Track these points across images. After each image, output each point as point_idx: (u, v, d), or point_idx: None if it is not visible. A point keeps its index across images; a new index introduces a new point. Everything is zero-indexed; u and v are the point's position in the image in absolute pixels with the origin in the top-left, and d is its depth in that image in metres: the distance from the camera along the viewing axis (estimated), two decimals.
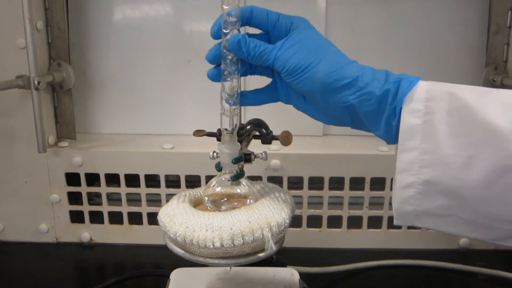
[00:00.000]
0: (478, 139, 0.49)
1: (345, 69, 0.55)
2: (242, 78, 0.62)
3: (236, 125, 0.62)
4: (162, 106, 1.08)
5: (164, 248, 0.63)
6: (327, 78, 0.54)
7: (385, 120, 0.54)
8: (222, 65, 0.59)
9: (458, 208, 0.52)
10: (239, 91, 0.61)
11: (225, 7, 0.57)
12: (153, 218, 1.00)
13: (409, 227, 0.99)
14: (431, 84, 0.53)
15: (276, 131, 0.69)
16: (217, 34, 0.58)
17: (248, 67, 0.61)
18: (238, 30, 0.58)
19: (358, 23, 1.04)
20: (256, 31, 0.62)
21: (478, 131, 0.49)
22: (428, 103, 0.52)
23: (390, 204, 0.97)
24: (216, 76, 0.60)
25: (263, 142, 0.69)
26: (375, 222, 0.99)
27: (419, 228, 0.96)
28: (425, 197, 0.53)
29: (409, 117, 0.52)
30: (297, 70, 0.56)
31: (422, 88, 0.53)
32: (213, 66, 0.60)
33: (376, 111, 0.54)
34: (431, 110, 0.51)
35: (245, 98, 0.63)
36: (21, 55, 0.91)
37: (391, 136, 0.55)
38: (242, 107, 0.68)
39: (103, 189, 1.00)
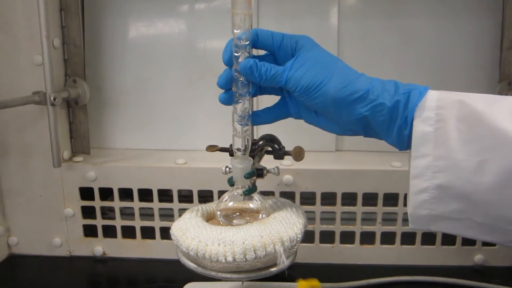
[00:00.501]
0: (489, 144, 0.50)
1: (356, 83, 0.56)
2: (253, 98, 0.63)
3: (247, 146, 0.62)
4: (175, 122, 1.09)
5: (177, 262, 0.63)
6: (339, 94, 0.55)
7: (397, 129, 0.55)
8: (233, 88, 0.60)
9: (471, 212, 0.53)
10: (250, 112, 0.61)
11: (235, 31, 0.58)
12: (165, 233, 1.00)
13: (423, 243, 0.98)
14: (441, 93, 0.54)
15: (288, 147, 0.69)
16: (230, 61, 0.59)
17: (258, 88, 0.62)
18: (249, 52, 0.59)
19: (370, 39, 1.04)
20: (261, 51, 0.62)
21: (488, 136, 0.50)
22: (439, 111, 0.53)
23: (404, 219, 0.97)
24: (228, 100, 0.61)
25: (275, 158, 0.69)
26: (388, 238, 0.98)
27: (435, 233, 0.96)
28: (439, 201, 0.54)
29: (421, 125, 0.54)
30: (310, 88, 0.56)
31: (433, 97, 0.54)
32: (223, 90, 0.61)
33: (388, 121, 0.56)
34: (442, 118, 0.53)
35: (257, 117, 0.64)
36: (38, 71, 0.92)
37: (403, 143, 0.56)
38: None
39: (117, 204, 1.00)
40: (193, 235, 0.60)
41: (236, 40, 0.58)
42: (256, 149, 0.68)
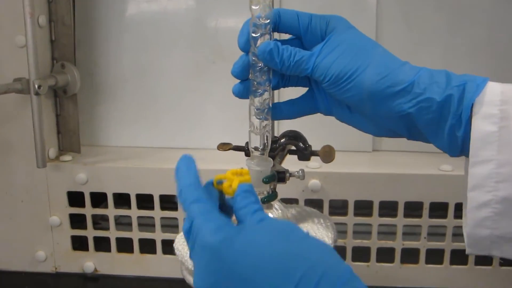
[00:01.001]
0: None
1: (398, 72, 0.55)
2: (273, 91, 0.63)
3: (267, 144, 0.62)
4: (181, 115, 1.09)
5: (181, 282, 0.63)
6: (377, 86, 0.55)
7: (449, 129, 0.54)
8: (250, 75, 0.60)
9: None
10: (270, 105, 0.61)
11: (254, 7, 0.57)
12: (168, 246, 0.99)
13: (477, 263, 0.97)
14: (504, 86, 0.53)
15: (315, 146, 0.69)
16: (246, 45, 0.59)
17: (280, 78, 0.62)
18: (270, 34, 0.59)
19: (415, 18, 1.03)
20: (285, 36, 0.62)
21: None
22: (503, 106, 0.52)
23: (454, 234, 0.96)
24: (244, 92, 0.61)
25: (300, 158, 0.69)
26: (435, 256, 0.98)
27: (501, 260, 0.95)
28: (504, 218, 0.52)
29: (482, 124, 0.52)
30: (342, 79, 0.56)
31: (495, 90, 0.53)
32: (238, 81, 0.61)
33: (437, 120, 0.55)
34: (508, 115, 0.52)
35: (278, 111, 0.63)
36: (20, 54, 0.93)
37: (456, 147, 0.55)
38: None
39: (111, 211, 1.01)
40: None
41: (255, 18, 0.58)
42: (277, 148, 0.68)
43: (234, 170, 0.56)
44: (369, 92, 0.55)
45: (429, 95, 0.54)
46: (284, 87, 0.63)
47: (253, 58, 0.59)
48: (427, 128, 0.56)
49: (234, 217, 0.51)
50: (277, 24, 0.59)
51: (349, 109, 0.60)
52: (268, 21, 0.58)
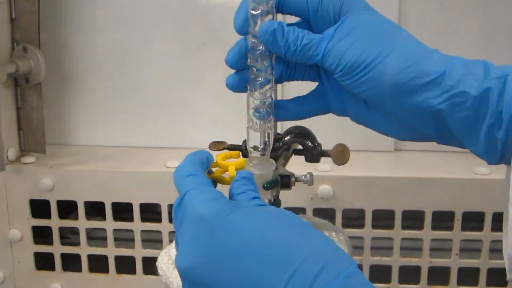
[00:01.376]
0: None
1: (425, 61, 0.55)
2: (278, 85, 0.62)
3: (268, 142, 0.62)
4: (166, 108, 1.09)
5: None
6: (401, 76, 0.55)
7: (486, 130, 0.54)
8: (249, 60, 0.59)
9: None
10: (273, 97, 0.61)
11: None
12: (150, 265, 0.97)
13: None
14: None
15: (326, 144, 0.69)
16: (244, 27, 0.59)
17: (284, 68, 0.62)
18: (273, 13, 0.58)
19: None
20: (293, 19, 0.61)
21: None
22: None
23: (491, 250, 0.96)
24: (240, 84, 0.61)
25: (308, 160, 0.69)
26: (468, 276, 0.98)
27: None
28: None
29: None
30: (358, 68, 0.56)
31: None
32: (233, 71, 0.61)
33: (472, 119, 0.54)
34: None
35: (283, 110, 0.63)
36: None
37: (495, 153, 0.55)
38: None
39: (82, 223, 1.00)
40: None
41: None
42: (280, 148, 0.67)
43: (222, 155, 0.57)
44: (391, 84, 0.55)
45: (463, 89, 0.54)
46: (288, 80, 0.63)
47: (253, 41, 0.59)
48: (460, 129, 0.56)
49: None
50: (281, 4, 0.59)
51: (367, 106, 0.60)
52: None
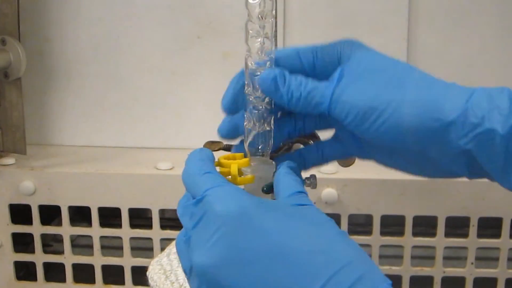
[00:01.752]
0: None
1: (444, 100, 0.54)
2: None
3: (268, 143, 0.62)
4: (157, 105, 1.09)
5: None
6: (420, 120, 0.54)
7: None
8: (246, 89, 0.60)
9: None
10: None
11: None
12: (140, 275, 0.99)
13: None
14: None
15: None
16: (231, 106, 0.60)
17: (292, 125, 0.62)
18: (272, 32, 0.58)
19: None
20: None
21: None
22: None
23: (510, 259, 0.96)
24: (233, 131, 0.61)
25: None
26: (485, 287, 0.98)
27: None
28: None
29: None
30: (371, 116, 0.55)
31: None
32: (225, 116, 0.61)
33: (503, 155, 0.53)
34: None
35: (303, 157, 0.63)
36: None
37: None
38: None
39: (66, 230, 1.00)
40: (182, 280, 0.60)
41: (253, 14, 0.57)
42: (281, 148, 0.66)
43: (225, 156, 0.57)
44: (410, 130, 0.55)
45: (489, 126, 0.53)
46: (300, 134, 0.63)
47: (251, 86, 0.59)
48: (491, 166, 0.54)
49: None
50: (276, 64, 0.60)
51: (390, 152, 0.60)
52: (272, 56, 0.58)
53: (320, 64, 0.59)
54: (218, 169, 0.56)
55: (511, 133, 0.52)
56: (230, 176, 0.55)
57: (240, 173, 0.58)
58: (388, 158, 0.61)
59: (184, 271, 0.50)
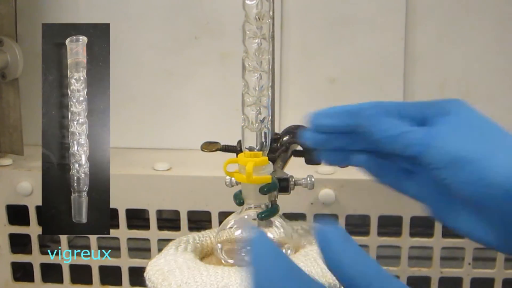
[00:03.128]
0: None
1: None
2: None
3: (265, 143, 0.62)
4: (154, 106, 1.09)
5: None
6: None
7: None
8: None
9: None
10: (269, 93, 0.61)
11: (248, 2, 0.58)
12: (137, 276, 0.97)
13: None
14: None
15: None
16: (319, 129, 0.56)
17: (377, 164, 0.60)
18: (270, 33, 0.59)
19: None
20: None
21: None
22: None
23: (507, 259, 0.96)
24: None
25: (308, 162, 0.69)
26: (482, 287, 0.98)
27: None
28: None
29: None
30: (465, 165, 0.52)
31: None
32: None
33: None
34: None
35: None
36: None
37: None
38: (276, 105, 0.68)
39: None
40: (180, 281, 0.60)
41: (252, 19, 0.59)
42: (278, 149, 0.68)
43: (246, 153, 0.60)
44: (503, 187, 0.51)
45: None
46: (384, 172, 0.61)
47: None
48: None
49: None
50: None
51: (470, 212, 0.56)
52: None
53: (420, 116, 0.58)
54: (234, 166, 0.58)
55: None
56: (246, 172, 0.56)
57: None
58: (466, 220, 0.57)
59: None
